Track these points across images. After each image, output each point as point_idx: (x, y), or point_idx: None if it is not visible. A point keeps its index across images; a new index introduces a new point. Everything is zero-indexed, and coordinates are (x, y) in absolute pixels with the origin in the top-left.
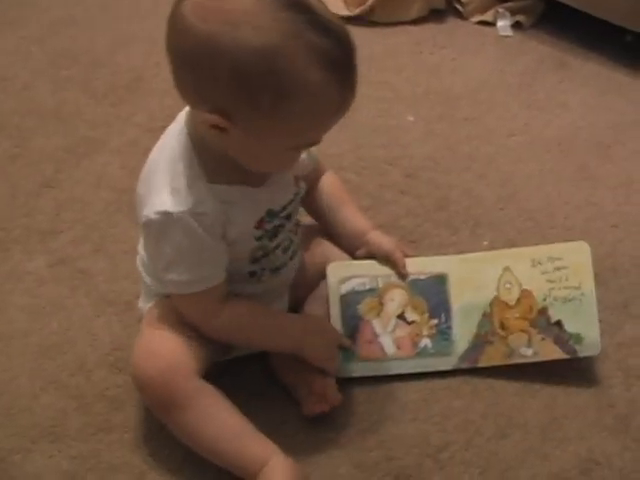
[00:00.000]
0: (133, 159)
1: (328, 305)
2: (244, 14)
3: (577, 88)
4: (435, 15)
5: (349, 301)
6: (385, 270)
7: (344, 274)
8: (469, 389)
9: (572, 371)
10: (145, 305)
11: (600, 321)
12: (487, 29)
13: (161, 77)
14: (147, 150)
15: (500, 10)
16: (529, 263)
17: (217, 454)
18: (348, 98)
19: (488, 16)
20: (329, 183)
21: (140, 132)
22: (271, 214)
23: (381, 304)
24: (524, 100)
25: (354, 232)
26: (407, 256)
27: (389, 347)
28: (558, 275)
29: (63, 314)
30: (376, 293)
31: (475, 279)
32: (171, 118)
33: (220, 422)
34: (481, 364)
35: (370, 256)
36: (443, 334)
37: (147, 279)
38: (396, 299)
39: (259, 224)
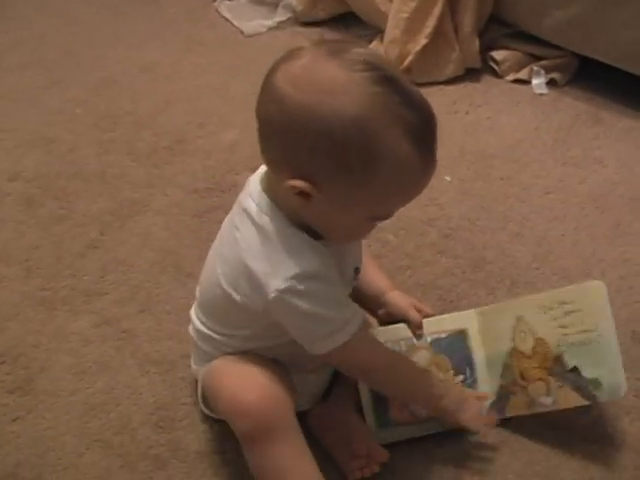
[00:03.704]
0: (177, 220)
1: None
2: (340, 85)
3: (612, 144)
4: (471, 74)
5: None
6: (407, 333)
7: None
8: (507, 449)
9: (611, 431)
10: (200, 367)
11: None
12: (522, 87)
13: (203, 138)
14: (190, 211)
15: (535, 68)
16: (540, 310)
17: None
18: (430, 169)
19: (523, 74)
20: None
21: (183, 193)
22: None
23: None
24: (559, 157)
25: (374, 293)
26: (427, 315)
27: (420, 411)
28: (570, 319)
29: (108, 373)
30: None
31: (493, 331)
32: (213, 179)
33: (298, 469)
34: (508, 414)
35: (390, 316)
36: (469, 389)
37: (205, 347)
38: (420, 361)
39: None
